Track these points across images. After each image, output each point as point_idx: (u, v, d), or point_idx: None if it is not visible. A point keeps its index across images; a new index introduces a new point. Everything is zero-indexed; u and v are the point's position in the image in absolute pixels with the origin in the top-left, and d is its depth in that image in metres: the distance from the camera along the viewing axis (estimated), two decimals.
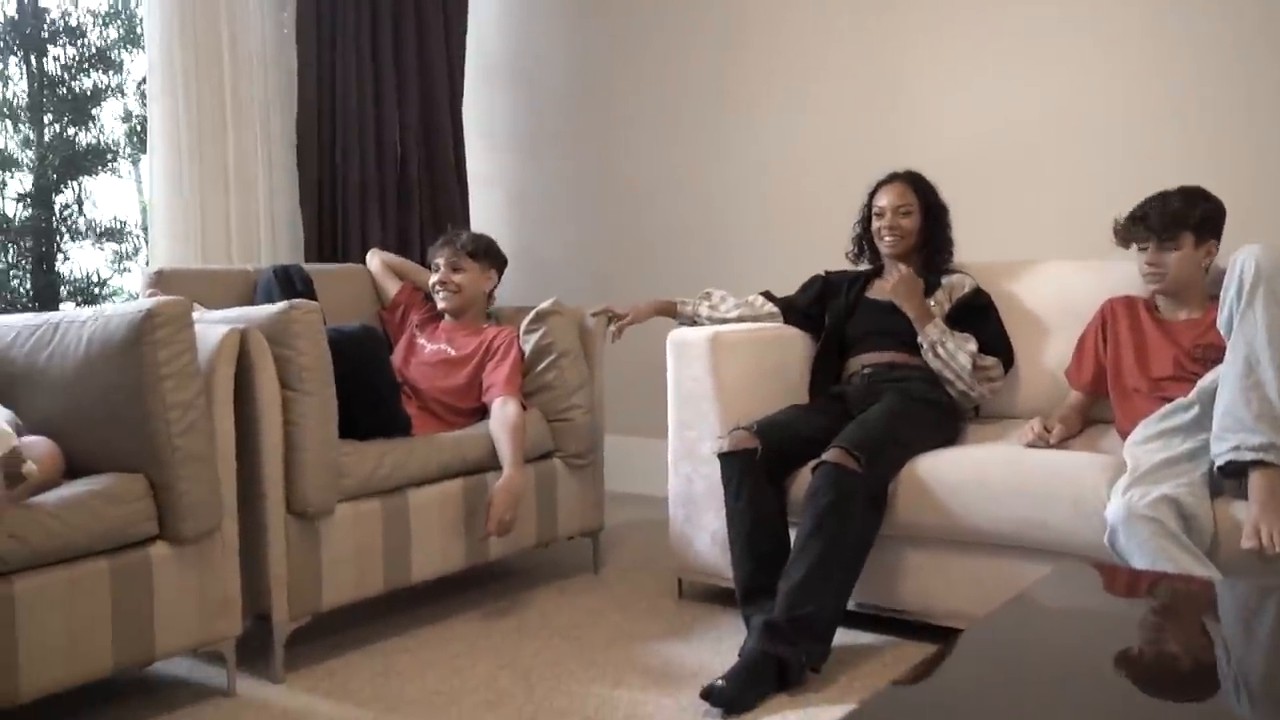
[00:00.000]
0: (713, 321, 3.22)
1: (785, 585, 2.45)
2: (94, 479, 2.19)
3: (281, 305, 2.51)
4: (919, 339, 2.92)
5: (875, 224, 3.09)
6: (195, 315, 2.38)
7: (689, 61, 4.27)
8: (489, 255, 3.34)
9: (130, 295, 3.79)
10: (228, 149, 3.72)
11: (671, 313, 3.32)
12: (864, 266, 3.23)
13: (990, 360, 2.93)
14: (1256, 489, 2.18)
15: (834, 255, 3.32)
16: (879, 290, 3.11)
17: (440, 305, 3.30)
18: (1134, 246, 2.73)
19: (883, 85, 3.84)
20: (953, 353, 2.89)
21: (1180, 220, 2.64)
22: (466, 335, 3.26)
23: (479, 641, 2.75)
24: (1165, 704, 1.22)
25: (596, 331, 3.32)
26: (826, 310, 3.20)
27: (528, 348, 3.20)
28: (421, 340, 3.30)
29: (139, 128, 3.81)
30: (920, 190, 3.06)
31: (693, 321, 3.27)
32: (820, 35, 3.96)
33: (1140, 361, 2.72)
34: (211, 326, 2.40)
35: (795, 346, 3.20)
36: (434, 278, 3.30)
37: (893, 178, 3.10)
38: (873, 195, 3.12)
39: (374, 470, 2.69)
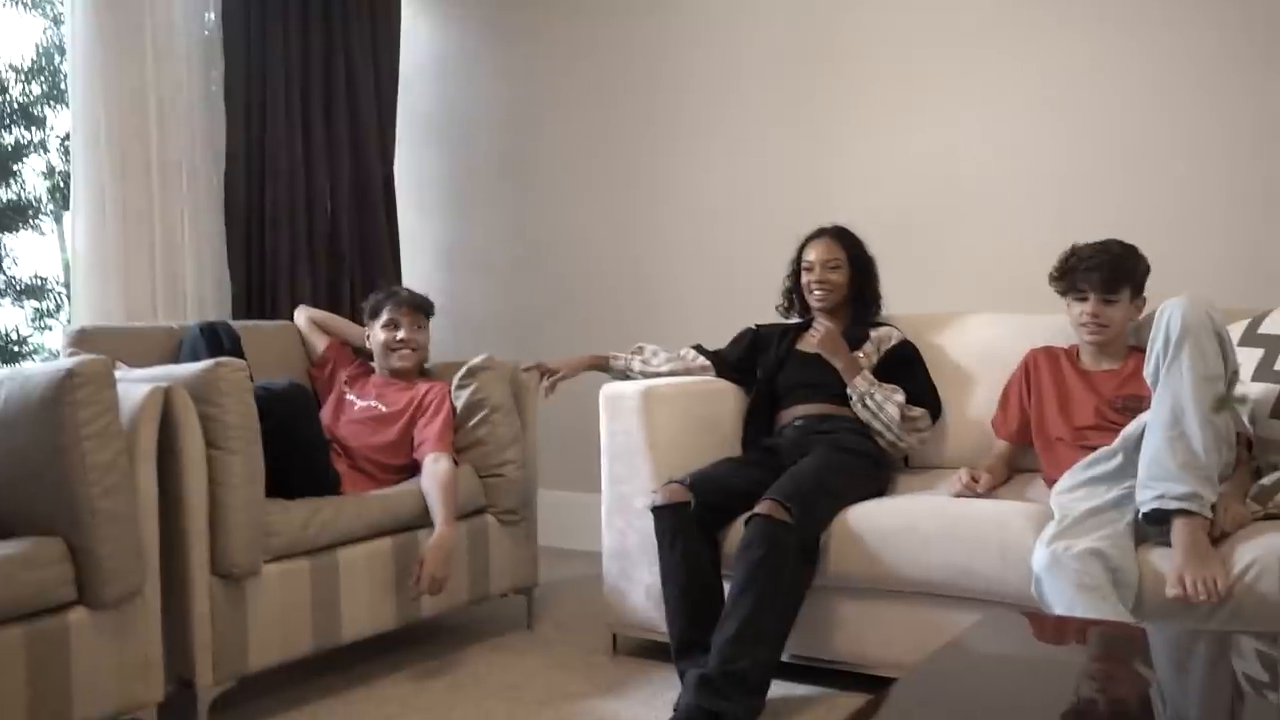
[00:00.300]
0: (645, 375, 3.23)
1: (719, 639, 2.44)
2: (10, 542, 2.12)
3: (207, 363, 2.47)
4: (848, 391, 2.95)
5: (805, 278, 3.14)
6: (118, 374, 2.34)
7: (619, 117, 4.31)
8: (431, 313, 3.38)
9: (51, 354, 3.70)
10: (153, 205, 3.65)
11: (604, 367, 3.32)
12: (794, 319, 3.26)
13: (918, 411, 2.97)
14: (1180, 537, 2.22)
15: (765, 308, 3.35)
16: (808, 343, 3.14)
17: (396, 364, 3.25)
18: (1069, 298, 2.76)
19: (813, 139, 3.90)
20: (880, 404, 2.92)
21: (1127, 275, 2.70)
22: (398, 391, 3.23)
23: (411, 701, 2.70)
24: None
25: (529, 386, 3.31)
26: (758, 363, 3.22)
27: (459, 403, 3.17)
28: (351, 396, 3.26)
29: (62, 184, 3.75)
30: (848, 245, 3.11)
31: (625, 376, 3.27)
32: (751, 90, 4.02)
33: (1064, 411, 2.77)
34: (134, 385, 2.35)
35: (727, 399, 3.21)
36: (397, 334, 3.25)
37: (821, 233, 3.14)
38: (802, 249, 3.17)
39: (302, 529, 2.64)
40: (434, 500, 2.91)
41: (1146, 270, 2.73)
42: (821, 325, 3.07)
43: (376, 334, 3.30)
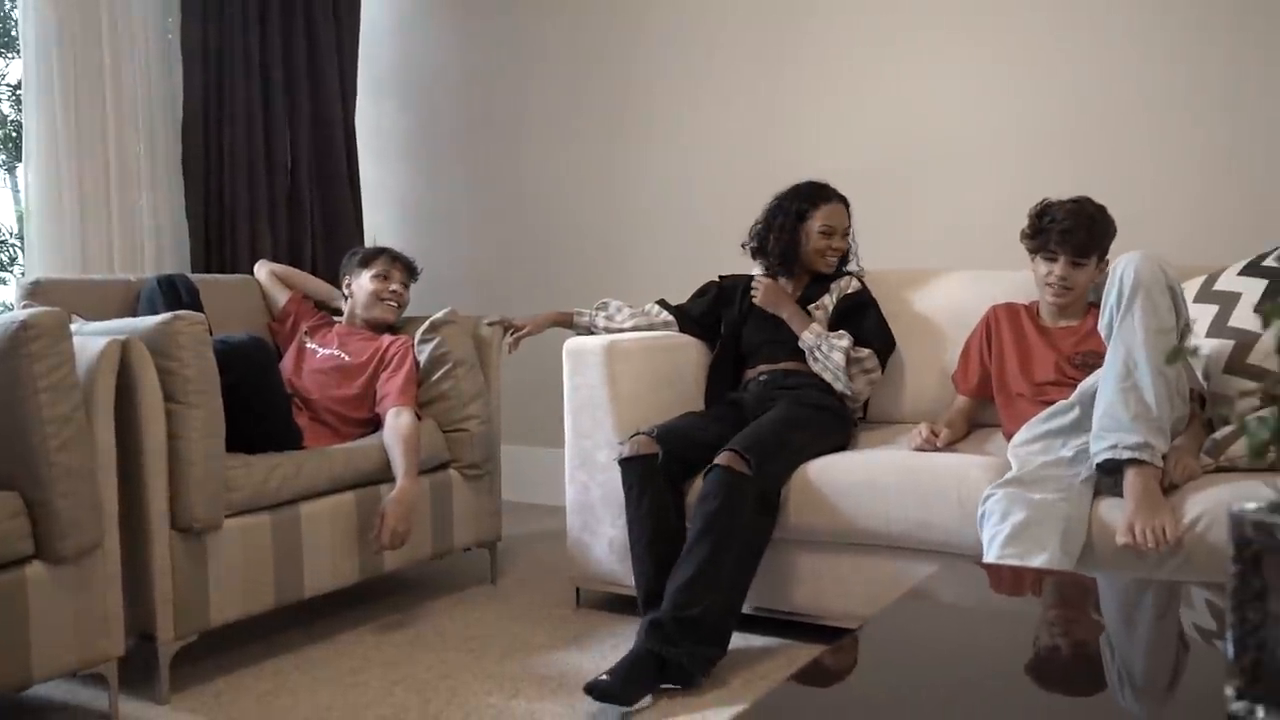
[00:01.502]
0: (609, 331, 3.23)
1: (672, 585, 2.47)
2: None
3: (165, 316, 2.44)
4: (799, 344, 2.97)
5: (819, 241, 3.08)
6: (74, 326, 2.31)
7: (583, 69, 4.27)
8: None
9: (5, 307, 3.65)
10: (109, 155, 3.60)
11: (568, 323, 3.32)
12: (757, 270, 3.25)
13: (865, 352, 2.98)
14: (1131, 487, 2.26)
15: (728, 261, 3.35)
16: (759, 294, 3.14)
17: (379, 314, 3.29)
18: (1038, 256, 2.76)
19: (779, 92, 3.89)
20: (827, 354, 2.94)
21: (1098, 240, 2.72)
22: (362, 341, 3.22)
23: (373, 656, 2.71)
24: (1054, 696, 1.25)
25: (492, 342, 3.30)
26: (721, 317, 3.22)
27: (422, 358, 3.16)
28: (313, 345, 3.24)
29: (14, 134, 3.67)
30: (849, 210, 3.15)
31: (589, 331, 3.27)
32: (718, 41, 4.00)
33: (1023, 366, 2.79)
34: (91, 338, 2.32)
35: (691, 354, 3.21)
36: (389, 285, 3.30)
37: (838, 196, 3.12)
38: (813, 206, 3.09)
39: (263, 483, 2.63)
40: (395, 454, 2.91)
41: (1114, 234, 2.75)
42: (762, 280, 3.08)
43: (364, 282, 3.30)
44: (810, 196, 3.11)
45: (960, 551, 2.44)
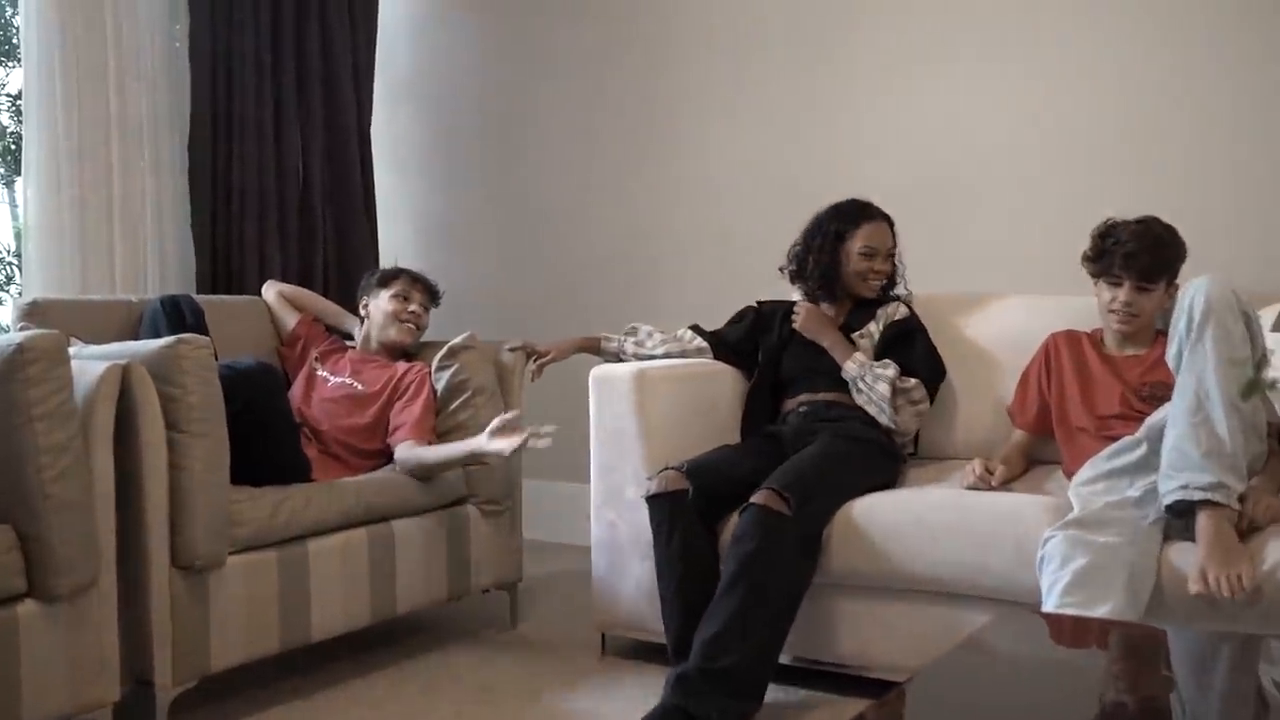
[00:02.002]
0: (638, 358, 3.23)
1: (700, 636, 2.46)
2: None
3: (168, 339, 2.46)
4: (843, 375, 2.97)
5: (860, 263, 3.08)
6: (72, 350, 2.34)
7: (611, 79, 4.30)
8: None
9: (2, 328, 3.70)
10: (112, 170, 3.65)
11: (594, 349, 3.32)
12: (796, 296, 3.25)
13: (912, 382, 2.96)
14: (1204, 530, 2.23)
15: (766, 285, 3.35)
16: (799, 319, 3.14)
17: (396, 336, 3.32)
18: (1102, 281, 2.75)
19: (822, 104, 3.89)
20: (871, 384, 2.93)
21: (1167, 264, 2.70)
22: (375, 369, 3.24)
23: (385, 704, 2.71)
24: None
25: (514, 369, 3.31)
26: (759, 344, 3.22)
27: (440, 385, 3.18)
28: (323, 372, 3.27)
29: (13, 146, 3.73)
30: (893, 231, 3.14)
31: (617, 358, 3.27)
32: (754, 49, 4.01)
33: (1086, 399, 2.77)
34: (90, 362, 2.35)
35: (726, 383, 3.21)
36: (409, 306, 3.34)
37: (881, 215, 3.12)
38: (854, 226, 3.09)
39: (269, 518, 2.64)
40: (427, 454, 2.97)
41: (1184, 256, 2.73)
42: (803, 306, 3.09)
43: (382, 303, 3.34)
44: (851, 216, 3.10)
45: (1017, 599, 2.41)
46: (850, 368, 2.97)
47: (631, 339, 3.30)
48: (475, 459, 2.94)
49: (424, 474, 3.01)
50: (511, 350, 3.32)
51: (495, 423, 2.82)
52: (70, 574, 2.19)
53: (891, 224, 3.14)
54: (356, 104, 4.34)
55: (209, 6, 3.88)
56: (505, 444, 2.78)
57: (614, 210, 4.31)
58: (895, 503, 2.64)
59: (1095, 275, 2.77)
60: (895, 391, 2.92)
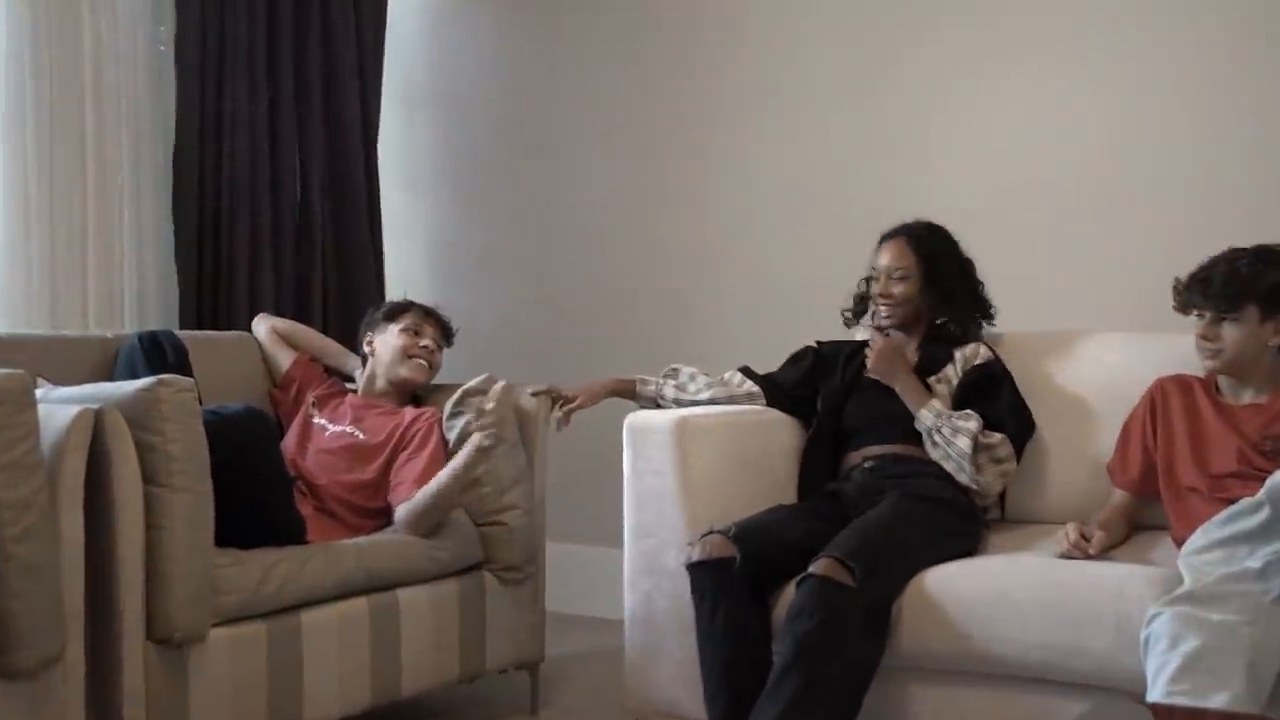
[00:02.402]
0: (679, 404, 3.23)
1: None
2: None
3: (147, 380, 2.49)
4: (916, 426, 2.95)
5: (873, 288, 3.15)
6: (39, 392, 2.36)
7: (645, 93, 4.33)
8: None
9: None
10: (88, 191, 3.70)
11: (630, 394, 3.33)
12: (858, 335, 3.25)
13: (997, 437, 2.94)
14: None
15: (825, 324, 3.35)
16: (871, 353, 3.14)
17: (406, 374, 3.36)
18: (1194, 314, 2.77)
19: (889, 124, 3.90)
20: (950, 438, 2.91)
21: (1244, 288, 2.68)
22: (379, 416, 3.26)
23: None
24: None
25: (538, 416, 3.32)
26: (819, 390, 3.22)
27: (451, 435, 3.19)
28: (320, 420, 3.29)
29: None
30: (921, 247, 3.10)
31: (655, 404, 3.28)
32: (813, 59, 4.03)
33: (1197, 455, 2.75)
34: (58, 406, 2.38)
35: (781, 433, 3.20)
36: (420, 341, 3.39)
37: (896, 231, 3.15)
38: (877, 250, 3.17)
39: (258, 585, 2.65)
40: (422, 493, 3.03)
41: None
42: (879, 340, 3.07)
43: (390, 338, 3.38)
44: (880, 239, 3.18)
45: (1118, 686, 2.38)
46: (926, 416, 2.95)
47: (672, 382, 3.30)
48: (468, 471, 3.00)
49: (425, 524, 3.03)
50: (535, 395, 3.33)
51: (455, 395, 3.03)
52: (33, 647, 2.20)
53: (914, 238, 3.11)
54: (361, 114, 4.39)
55: (198, 7, 3.94)
56: (477, 436, 2.94)
57: (652, 235, 4.33)
58: (976, 573, 2.62)
59: (1182, 311, 2.78)
60: (978, 448, 2.91)
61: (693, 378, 3.30)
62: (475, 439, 2.99)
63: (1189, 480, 2.74)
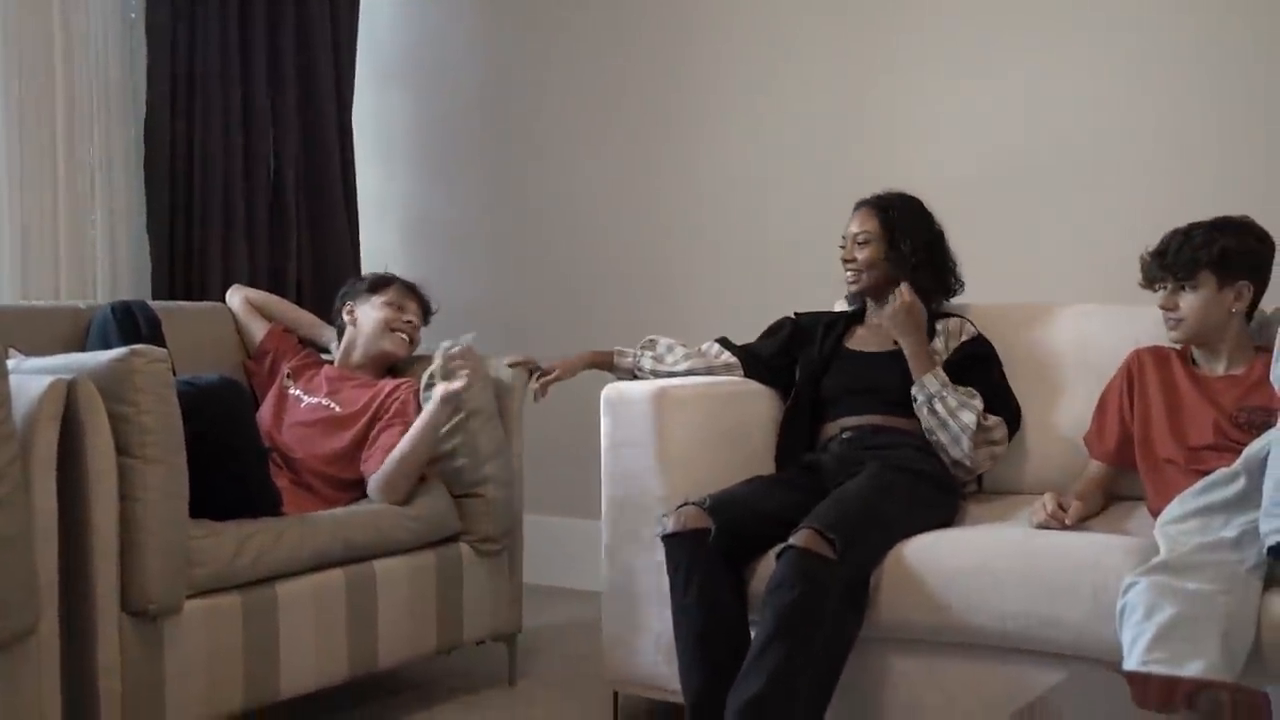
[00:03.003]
0: (657, 375, 3.23)
1: (737, 699, 2.44)
2: None
3: (120, 351, 2.47)
4: (913, 390, 2.95)
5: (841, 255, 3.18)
6: (10, 363, 2.35)
7: (628, 62, 4.31)
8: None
9: None
10: (57, 160, 3.68)
11: (607, 365, 3.33)
12: (839, 306, 3.26)
13: (994, 420, 2.97)
14: None
15: (803, 295, 3.34)
16: (860, 339, 3.14)
17: (389, 347, 3.37)
18: (1158, 288, 2.80)
19: (862, 94, 3.90)
20: (954, 410, 2.91)
21: (1197, 256, 2.71)
22: (356, 388, 3.25)
23: None
24: None
25: (514, 387, 3.32)
26: (797, 361, 3.22)
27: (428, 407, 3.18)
28: (296, 391, 3.28)
29: None
30: (886, 215, 3.12)
31: (633, 375, 3.27)
32: (788, 30, 4.02)
33: (1174, 426, 2.76)
34: (30, 377, 2.36)
35: (758, 404, 3.21)
36: (403, 315, 3.39)
37: (863, 201, 3.18)
38: (849, 221, 3.20)
39: (233, 557, 2.64)
40: (398, 449, 3.04)
41: (1244, 250, 2.73)
42: (906, 292, 3.02)
43: (373, 310, 3.38)
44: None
45: (1095, 655, 2.40)
46: (930, 382, 2.94)
47: (649, 354, 3.30)
48: (437, 418, 3.04)
49: (399, 487, 3.04)
50: (512, 365, 3.33)
51: (436, 362, 3.06)
52: (7, 619, 2.19)
53: (880, 206, 3.14)
54: (336, 87, 4.36)
55: None
56: (457, 381, 3.02)
57: (629, 210, 4.32)
58: (954, 544, 2.63)
59: (1147, 286, 2.83)
60: (979, 427, 2.92)
61: (670, 349, 3.30)
62: (440, 386, 3.03)
63: (1166, 452, 2.75)
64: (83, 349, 3.06)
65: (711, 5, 4.16)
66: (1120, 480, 2.92)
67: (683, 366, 3.26)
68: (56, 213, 3.68)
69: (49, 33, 3.65)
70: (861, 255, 3.11)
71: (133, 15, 3.92)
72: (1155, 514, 2.61)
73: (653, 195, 4.27)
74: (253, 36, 4.11)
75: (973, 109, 3.74)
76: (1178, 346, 2.88)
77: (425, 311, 3.49)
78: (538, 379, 3.31)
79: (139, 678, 2.47)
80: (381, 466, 3.04)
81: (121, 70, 3.87)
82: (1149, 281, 2.81)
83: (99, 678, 2.41)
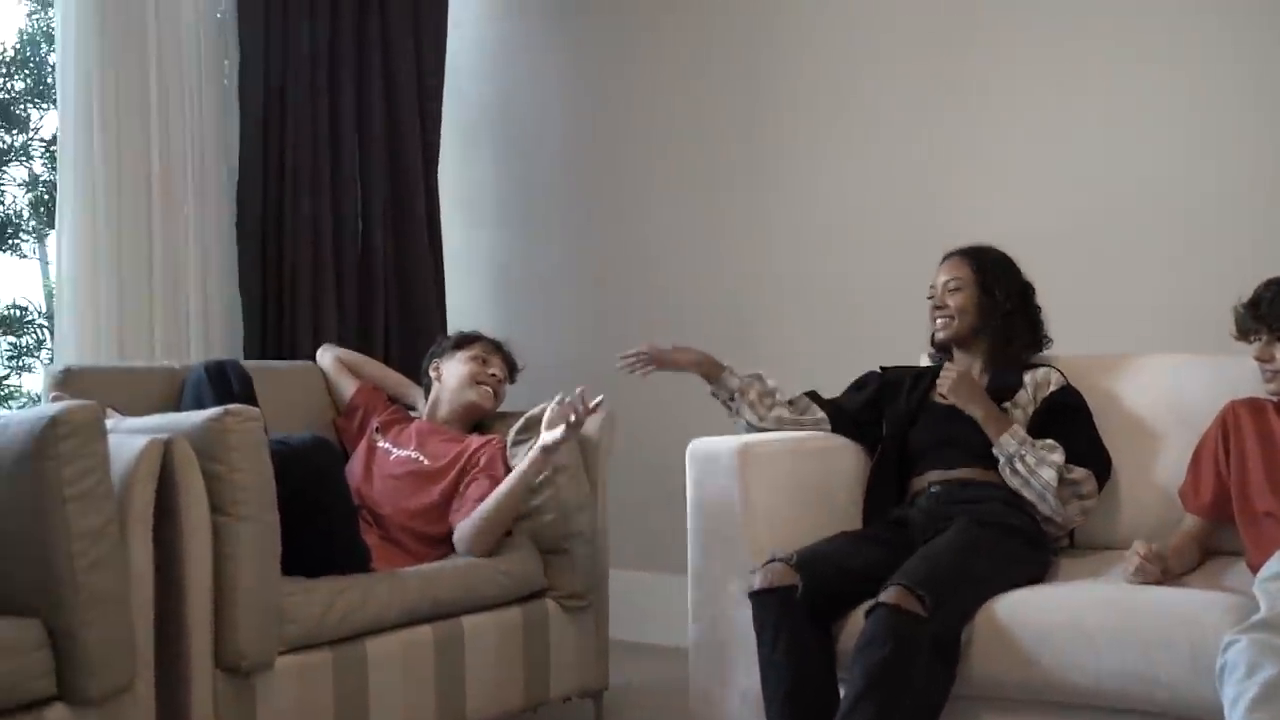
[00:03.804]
0: (754, 418, 3.21)
1: None
2: None
3: (214, 411, 2.52)
4: (994, 452, 2.92)
5: (930, 306, 3.16)
6: (109, 423, 2.39)
7: (712, 114, 4.33)
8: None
9: (30, 399, 3.81)
10: (153, 222, 3.75)
11: (713, 376, 3.28)
12: (925, 361, 3.25)
13: (1080, 473, 2.92)
14: None
15: (888, 348, 3.33)
16: (945, 382, 3.13)
17: (474, 398, 3.41)
18: (1252, 340, 2.75)
19: (950, 144, 3.89)
20: (1033, 468, 2.88)
21: None
22: (444, 442, 3.28)
23: None
24: None
25: (600, 443, 3.32)
26: (884, 415, 3.20)
27: (515, 462, 3.20)
28: (385, 444, 3.32)
29: (46, 196, 3.86)
30: (979, 263, 3.11)
31: (730, 399, 3.25)
32: (875, 79, 4.02)
33: (1272, 478, 2.71)
34: (128, 437, 2.41)
35: (845, 459, 3.19)
36: (488, 369, 3.44)
37: (953, 251, 3.17)
38: (937, 272, 3.19)
39: (324, 614, 2.67)
40: (489, 500, 3.07)
41: None
42: (953, 368, 3.05)
43: (457, 365, 3.43)
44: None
45: (1194, 716, 2.35)
46: (1008, 443, 2.91)
47: (755, 388, 3.23)
48: (537, 469, 3.06)
49: (487, 537, 3.06)
50: (623, 359, 3.30)
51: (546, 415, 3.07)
52: (104, 675, 2.22)
53: (971, 255, 3.13)
54: (423, 146, 4.43)
55: (262, 40, 4.00)
56: (558, 430, 3.01)
57: (714, 265, 4.32)
58: (1046, 601, 2.59)
59: (1241, 338, 2.78)
60: (1062, 481, 2.88)
61: (774, 393, 3.24)
62: (544, 435, 3.07)
63: (1264, 505, 2.70)
64: (177, 408, 3.12)
65: (790, 55, 4.18)
66: (1217, 535, 2.86)
67: (774, 417, 3.22)
68: (151, 276, 3.74)
69: (145, 91, 3.73)
70: (954, 301, 3.10)
71: (225, 81, 4.01)
72: (1254, 569, 2.56)
73: (737, 250, 4.28)
74: (341, 98, 4.19)
75: (1058, 157, 3.72)
76: (1275, 399, 2.83)
77: (510, 367, 3.52)
78: (640, 359, 3.30)
79: None
80: (470, 516, 3.06)
81: (214, 134, 3.95)
82: (1243, 333, 2.77)
83: None
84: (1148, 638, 2.42)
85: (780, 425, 3.22)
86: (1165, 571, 2.64)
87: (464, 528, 3.07)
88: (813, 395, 3.28)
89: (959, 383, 2.99)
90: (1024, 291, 3.14)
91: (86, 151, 3.61)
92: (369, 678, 2.75)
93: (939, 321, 3.13)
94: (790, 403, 3.26)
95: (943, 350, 3.21)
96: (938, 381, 3.07)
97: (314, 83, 4.12)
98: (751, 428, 3.22)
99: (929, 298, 3.16)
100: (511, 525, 3.14)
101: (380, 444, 3.33)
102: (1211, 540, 2.86)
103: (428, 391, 3.47)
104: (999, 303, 3.09)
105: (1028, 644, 2.53)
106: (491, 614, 3.03)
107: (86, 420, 2.23)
